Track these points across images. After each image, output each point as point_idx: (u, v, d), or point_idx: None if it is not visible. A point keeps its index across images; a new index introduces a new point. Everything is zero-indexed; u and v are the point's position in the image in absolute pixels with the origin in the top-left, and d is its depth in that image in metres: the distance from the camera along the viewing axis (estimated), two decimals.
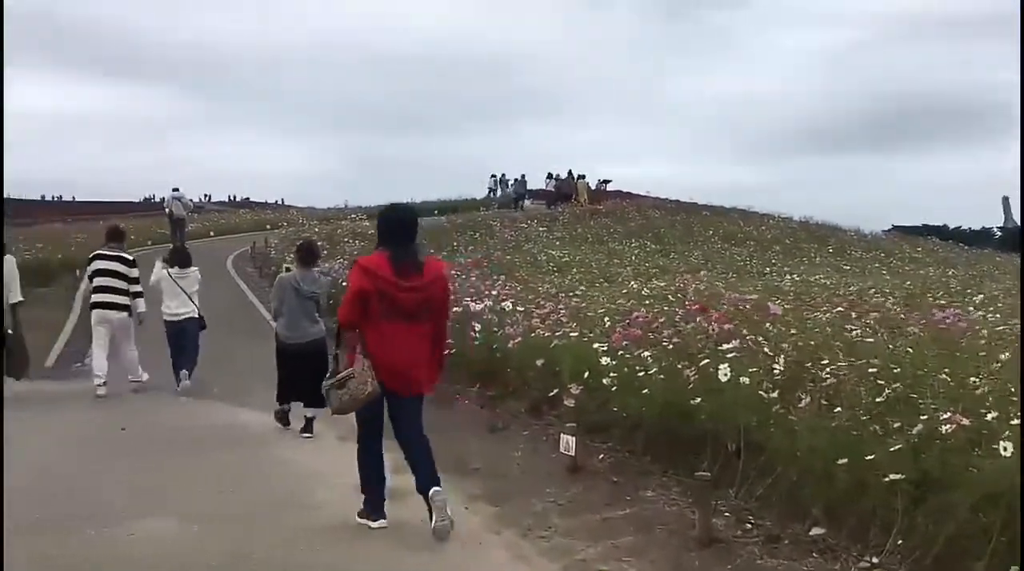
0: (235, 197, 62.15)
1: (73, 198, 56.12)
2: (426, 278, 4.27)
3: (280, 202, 52.21)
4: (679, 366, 5.54)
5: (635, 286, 12.75)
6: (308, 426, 6.70)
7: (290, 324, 6.75)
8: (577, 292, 11.91)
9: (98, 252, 8.63)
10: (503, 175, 36.77)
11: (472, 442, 6.58)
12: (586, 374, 6.32)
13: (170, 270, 8.79)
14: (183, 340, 8.70)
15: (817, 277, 17.73)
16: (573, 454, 5.46)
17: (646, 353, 5.68)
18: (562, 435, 5.56)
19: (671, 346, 5.87)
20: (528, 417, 7.16)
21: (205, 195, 54.84)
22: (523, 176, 35.32)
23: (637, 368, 5.90)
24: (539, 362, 7.02)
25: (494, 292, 10.92)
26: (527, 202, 34.36)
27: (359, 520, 4.46)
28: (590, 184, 35.82)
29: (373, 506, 4.43)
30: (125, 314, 8.37)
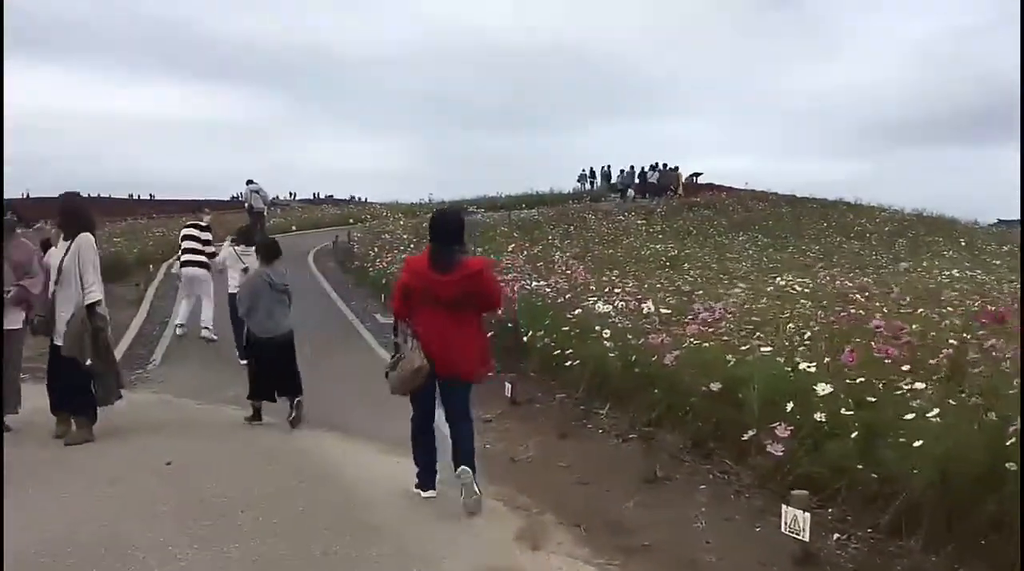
0: (319, 195, 62.02)
1: (152, 196, 56.14)
2: (460, 273, 4.53)
3: (363, 199, 51.41)
4: (966, 403, 3.66)
5: (781, 283, 10.73)
6: (298, 416, 6.69)
7: (268, 318, 6.90)
8: (733, 292, 9.95)
9: (184, 224, 10.70)
10: (607, 167, 36.33)
11: (624, 495, 4.80)
12: (789, 406, 4.50)
13: (236, 248, 9.57)
14: None
15: (975, 274, 15.35)
16: (806, 539, 3.61)
17: (919, 385, 3.76)
18: (785, 508, 3.70)
19: (938, 373, 3.97)
20: (695, 459, 5.32)
21: (291, 193, 54.69)
22: (631, 167, 34.75)
23: (870, 398, 4.06)
24: (714, 386, 5.17)
25: (616, 290, 9.13)
26: (630, 193, 33.48)
27: (413, 489, 4.75)
28: (682, 176, 34.69)
29: (422, 479, 4.73)
30: (202, 270, 10.02)
